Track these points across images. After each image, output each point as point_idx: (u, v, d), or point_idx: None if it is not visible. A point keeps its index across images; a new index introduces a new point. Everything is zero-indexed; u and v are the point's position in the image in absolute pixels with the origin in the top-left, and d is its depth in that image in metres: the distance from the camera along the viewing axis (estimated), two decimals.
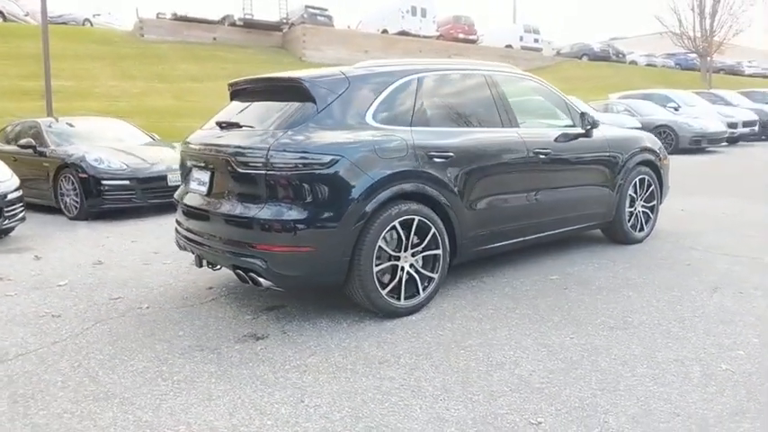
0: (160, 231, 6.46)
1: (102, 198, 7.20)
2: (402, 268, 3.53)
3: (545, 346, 3.10)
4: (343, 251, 3.28)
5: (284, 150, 3.17)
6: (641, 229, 5.27)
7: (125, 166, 7.34)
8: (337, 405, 2.55)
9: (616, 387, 2.65)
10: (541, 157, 4.25)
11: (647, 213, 5.31)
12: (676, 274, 4.29)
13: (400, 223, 3.46)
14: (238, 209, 3.33)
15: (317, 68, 3.83)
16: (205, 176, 3.65)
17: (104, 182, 7.19)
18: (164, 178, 7.49)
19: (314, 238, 3.22)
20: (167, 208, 7.64)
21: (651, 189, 5.31)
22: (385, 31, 30.58)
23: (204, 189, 3.64)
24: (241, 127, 3.56)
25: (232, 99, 4.26)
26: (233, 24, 28.11)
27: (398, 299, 3.52)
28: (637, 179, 5.12)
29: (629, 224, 5.13)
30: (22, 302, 4.07)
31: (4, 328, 3.59)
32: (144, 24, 26.39)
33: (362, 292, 3.38)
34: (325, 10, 30.69)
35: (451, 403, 2.54)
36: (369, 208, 3.31)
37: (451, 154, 3.70)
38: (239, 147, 3.34)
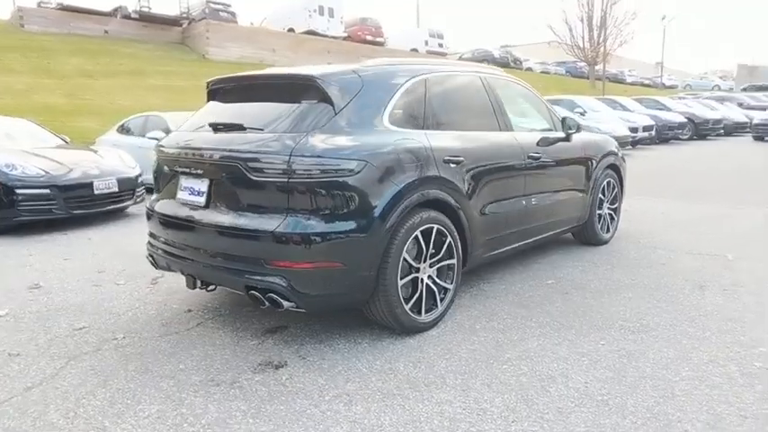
0: (93, 247, 5.75)
1: (17, 209, 6.28)
2: (421, 280, 3.34)
3: (582, 355, 3.05)
4: (370, 265, 3.03)
5: (307, 155, 2.86)
6: (608, 231, 5.46)
7: (43, 173, 6.45)
8: None
9: (673, 393, 2.64)
10: (533, 161, 4.23)
11: (611, 215, 5.51)
12: (658, 273, 4.46)
13: (421, 232, 3.26)
14: (251, 221, 2.96)
15: (317, 66, 3.50)
16: (201, 185, 3.22)
17: (19, 191, 6.27)
18: (89, 186, 6.69)
19: (341, 253, 2.93)
20: (93, 219, 6.89)
21: (615, 191, 5.51)
22: (291, 30, 29.90)
23: (201, 200, 3.21)
24: (245, 129, 3.17)
25: (211, 98, 3.83)
26: (127, 17, 26.15)
27: (419, 313, 3.32)
28: (605, 182, 5.28)
29: (598, 226, 5.28)
30: None
31: None
32: (24, 14, 23.80)
33: (386, 308, 3.15)
34: (228, 6, 29.45)
35: (525, 424, 2.40)
36: (395, 217, 3.08)
37: (462, 158, 3.56)
38: (252, 152, 2.96)
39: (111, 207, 7.01)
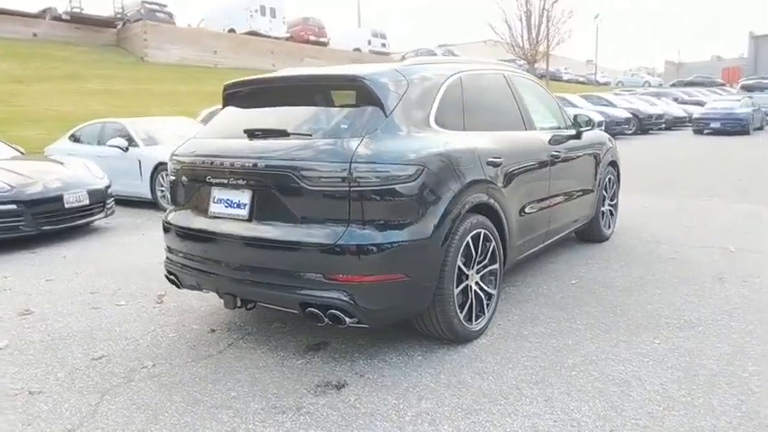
0: (71, 265, 5.30)
1: None
2: (470, 287, 3.23)
3: (644, 356, 3.03)
4: (431, 275, 2.89)
5: (368, 162, 2.69)
6: (609, 227, 5.53)
7: (8, 186, 5.90)
8: None
9: (751, 390, 2.65)
10: (555, 159, 4.21)
11: (611, 211, 5.59)
12: (674, 268, 4.54)
13: (471, 238, 3.15)
14: (307, 234, 2.76)
15: (356, 65, 3.32)
16: (242, 197, 2.97)
17: None
18: (58, 199, 6.18)
19: (404, 263, 2.78)
20: (60, 235, 6.38)
21: (615, 187, 5.61)
22: (232, 31, 29.12)
23: (242, 212, 2.96)
24: (289, 135, 2.96)
25: (228, 103, 3.57)
26: (57, 18, 24.67)
27: (470, 321, 3.21)
28: (607, 178, 5.35)
29: (602, 222, 5.34)
30: None
31: None
32: None
33: (443, 318, 3.02)
34: (165, 6, 28.37)
35: None
36: (452, 224, 2.96)
37: (502, 159, 3.48)
38: (308, 160, 2.75)
39: (82, 221, 6.52)
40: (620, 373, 2.85)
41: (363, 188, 2.69)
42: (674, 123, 21.27)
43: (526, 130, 4.03)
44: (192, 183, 3.25)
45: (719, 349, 3.07)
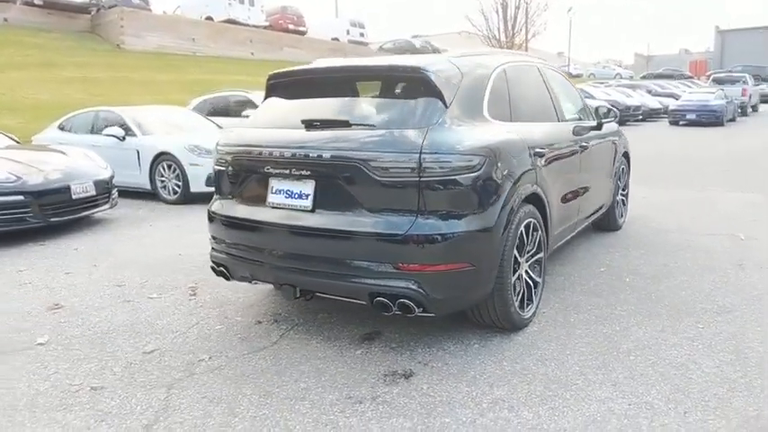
0: (86, 258, 5.19)
1: None
2: (520, 276, 3.29)
3: (692, 340, 3.14)
4: (493, 264, 2.95)
5: (436, 152, 2.72)
6: (621, 216, 5.67)
7: (13, 177, 5.72)
8: None
9: None
10: (583, 150, 4.30)
11: (623, 200, 5.73)
12: (694, 256, 4.69)
13: (524, 227, 3.21)
14: (376, 224, 2.78)
15: (409, 56, 3.33)
16: (304, 187, 2.96)
17: None
18: (66, 190, 6.02)
19: (470, 253, 2.83)
20: (66, 227, 6.22)
21: (626, 177, 5.74)
22: (209, 19, 28.52)
23: (305, 203, 2.95)
24: (350, 126, 2.95)
25: (273, 93, 3.53)
26: (29, 4, 23.68)
27: (522, 309, 3.28)
28: (621, 168, 5.48)
29: (617, 211, 5.48)
30: (14, 378, 2.93)
31: (33, 419, 2.54)
32: None
33: (501, 306, 3.08)
34: None
35: (698, 414, 2.44)
36: (510, 213, 3.01)
37: (545, 150, 3.54)
38: (377, 150, 2.76)
39: (88, 212, 6.37)
40: (676, 357, 2.95)
41: (431, 178, 2.72)
42: (649, 115, 21.75)
43: (558, 121, 4.11)
44: (245, 173, 3.22)
45: (760, 332, 3.21)
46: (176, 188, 7.86)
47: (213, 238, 3.47)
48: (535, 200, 3.38)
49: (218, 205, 3.43)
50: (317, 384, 2.78)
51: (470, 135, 2.93)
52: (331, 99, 3.26)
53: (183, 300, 4.03)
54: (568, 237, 4.23)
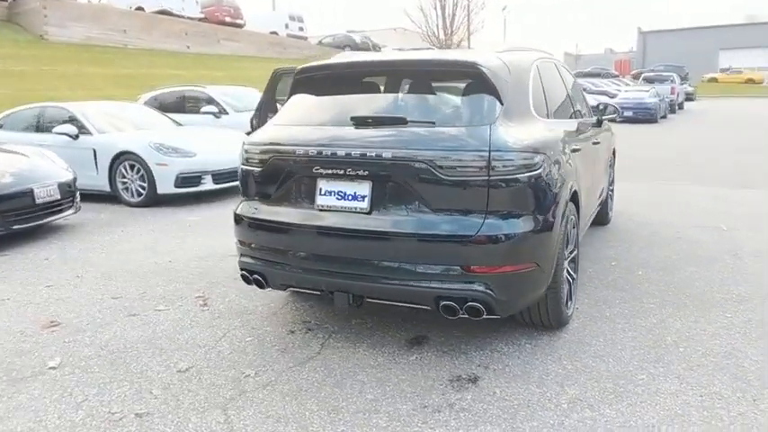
0: (61, 268, 4.76)
1: None
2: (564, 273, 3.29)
3: (728, 329, 3.26)
4: (552, 263, 2.92)
5: (503, 150, 2.65)
6: (610, 210, 5.84)
7: None
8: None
9: None
10: (594, 147, 4.37)
11: (610, 195, 5.89)
12: (690, 247, 4.88)
13: (567, 225, 3.21)
14: (444, 226, 2.68)
15: (460, 51, 3.23)
16: (359, 188, 2.80)
17: None
18: (29, 194, 5.51)
19: (535, 252, 2.79)
20: (34, 235, 5.71)
21: (614, 172, 5.91)
22: (140, 9, 27.10)
23: (362, 204, 2.80)
24: (407, 123, 2.83)
25: (300, 89, 3.34)
26: None
27: (567, 306, 3.28)
28: (612, 162, 5.64)
29: (609, 205, 5.63)
30: (39, 409, 2.62)
31: None
32: None
33: (553, 304, 3.07)
34: None
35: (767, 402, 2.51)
36: (564, 211, 3.00)
37: (579, 147, 3.57)
38: (443, 149, 2.66)
39: (52, 218, 5.86)
40: (720, 346, 3.04)
41: (500, 177, 2.65)
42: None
43: (575, 118, 4.15)
44: (286, 174, 3.03)
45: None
46: (141, 190, 7.38)
47: (243, 243, 3.24)
48: (574, 197, 3.39)
49: (248, 208, 3.22)
50: (384, 395, 2.66)
51: (526, 132, 2.88)
52: (376, 95, 3.13)
53: (195, 311, 3.77)
54: (584, 233, 4.29)
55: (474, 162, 2.63)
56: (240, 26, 30.88)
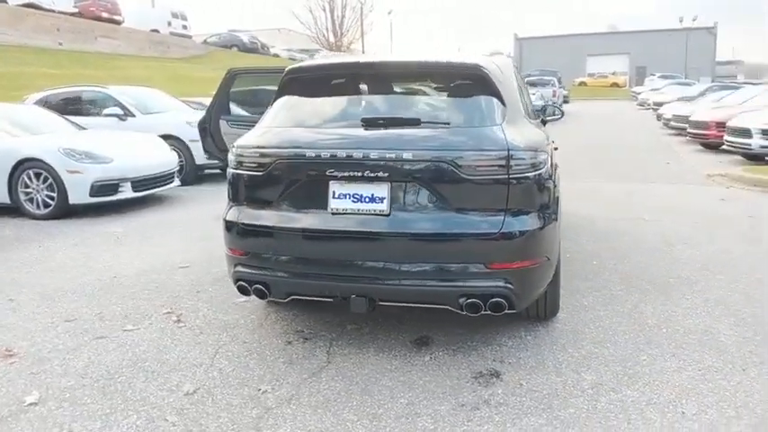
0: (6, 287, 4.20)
1: None
2: None
3: (691, 309, 3.60)
4: (557, 255, 3.06)
5: (519, 149, 2.74)
6: None
7: None
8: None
9: None
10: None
11: None
12: (628, 238, 5.35)
13: None
14: (466, 224, 2.71)
15: (449, 53, 3.25)
16: (377, 190, 2.74)
17: None
18: None
19: (547, 246, 2.92)
20: None
21: None
22: (4, 1, 24.35)
23: (381, 206, 2.74)
24: (420, 124, 2.82)
25: (290, 90, 3.22)
26: None
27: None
28: None
29: None
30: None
31: None
32: None
33: (552, 295, 3.24)
34: None
35: (754, 370, 2.83)
36: (559, 206, 3.16)
37: (553, 145, 3.76)
38: (464, 149, 2.69)
39: None
40: (695, 325, 3.36)
41: (517, 175, 2.74)
42: None
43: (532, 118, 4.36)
44: (291, 177, 2.89)
45: (733, 297, 3.78)
46: (49, 200, 6.65)
47: (237, 252, 3.05)
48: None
49: (242, 214, 3.03)
50: (416, 397, 2.64)
51: (527, 133, 3.01)
52: (378, 96, 3.09)
53: (171, 328, 3.49)
54: None
55: (496, 161, 2.69)
56: (118, 23, 28.83)
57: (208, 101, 12.56)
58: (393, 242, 2.77)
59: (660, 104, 20.44)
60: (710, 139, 12.00)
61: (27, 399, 2.67)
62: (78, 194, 6.61)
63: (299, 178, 2.89)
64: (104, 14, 27.76)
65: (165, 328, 3.49)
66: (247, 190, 3.04)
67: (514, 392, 2.66)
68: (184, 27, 33.30)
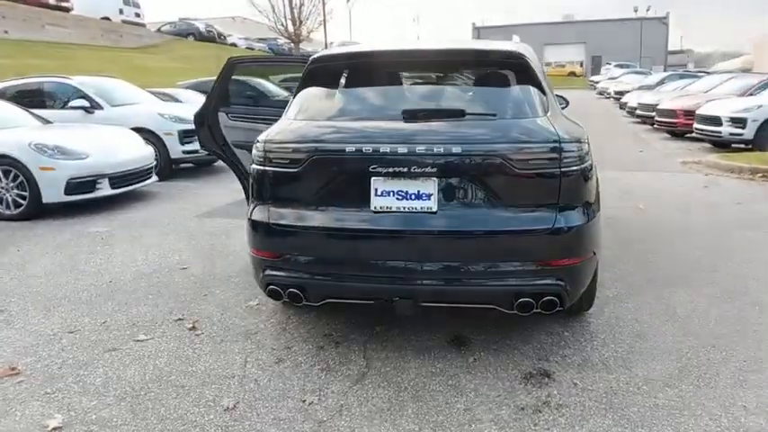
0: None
1: None
2: None
3: (717, 298, 3.62)
4: (600, 249, 2.99)
5: (567, 141, 2.64)
6: None
7: None
8: None
9: None
10: None
11: None
12: (631, 225, 5.36)
13: None
14: (520, 220, 2.60)
15: (481, 41, 3.12)
16: (424, 186, 2.59)
17: None
18: None
19: (594, 241, 2.84)
20: None
21: None
22: None
23: (429, 204, 2.59)
24: (464, 116, 2.69)
25: (315, 81, 3.03)
26: None
27: None
28: None
29: None
30: None
31: None
32: None
33: (591, 289, 3.15)
34: None
35: None
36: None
37: None
38: (517, 142, 2.56)
39: None
40: (726, 315, 3.36)
41: (568, 168, 2.65)
42: None
43: None
44: (328, 174, 2.71)
45: (751, 285, 3.82)
46: (19, 200, 6.21)
47: (266, 254, 2.85)
48: None
49: (272, 214, 2.83)
50: (472, 402, 2.54)
51: (569, 124, 2.92)
52: (417, 87, 2.94)
53: (188, 336, 3.27)
54: None
55: (548, 154, 2.59)
56: (67, 10, 27.42)
57: (177, 93, 12.17)
58: (441, 241, 2.64)
59: (622, 93, 20.89)
60: (678, 127, 12.30)
61: (50, 423, 2.43)
62: (52, 193, 6.20)
63: (337, 175, 2.72)
64: (52, 1, 26.34)
65: (181, 336, 3.27)
66: (276, 188, 2.85)
67: (570, 392, 2.59)
68: (137, 15, 31.97)
